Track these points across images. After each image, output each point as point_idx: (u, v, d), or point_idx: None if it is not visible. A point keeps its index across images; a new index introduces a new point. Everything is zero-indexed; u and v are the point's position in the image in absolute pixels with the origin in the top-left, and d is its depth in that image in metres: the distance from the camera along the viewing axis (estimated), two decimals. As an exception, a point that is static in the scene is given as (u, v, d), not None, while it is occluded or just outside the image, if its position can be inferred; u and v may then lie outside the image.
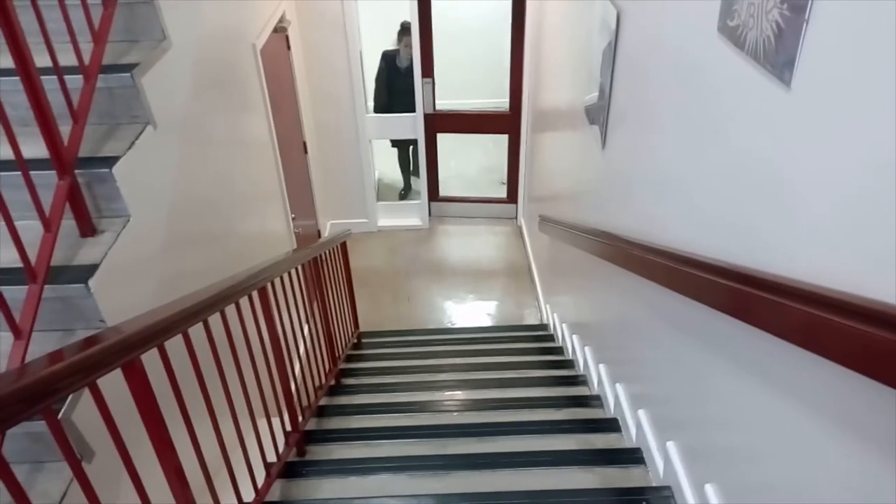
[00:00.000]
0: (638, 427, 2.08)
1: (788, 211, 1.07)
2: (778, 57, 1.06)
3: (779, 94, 1.07)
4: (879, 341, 0.75)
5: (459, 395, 3.11)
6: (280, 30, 4.30)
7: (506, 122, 5.87)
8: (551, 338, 4.10)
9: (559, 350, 3.72)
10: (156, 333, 1.28)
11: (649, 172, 1.91)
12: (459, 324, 5.06)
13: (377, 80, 5.92)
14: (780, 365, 1.12)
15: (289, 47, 4.60)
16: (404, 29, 5.45)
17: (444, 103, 5.89)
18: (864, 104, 0.84)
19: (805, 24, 0.97)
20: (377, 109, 5.98)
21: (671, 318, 1.74)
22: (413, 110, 5.79)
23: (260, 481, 1.85)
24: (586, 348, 2.98)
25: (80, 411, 1.46)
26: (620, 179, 2.29)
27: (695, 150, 1.51)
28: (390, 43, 5.96)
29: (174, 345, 1.38)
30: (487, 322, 5.07)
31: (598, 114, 2.53)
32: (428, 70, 5.59)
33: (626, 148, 2.19)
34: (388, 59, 5.84)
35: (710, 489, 1.49)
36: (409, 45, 5.42)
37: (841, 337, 0.82)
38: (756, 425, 1.25)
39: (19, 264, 1.46)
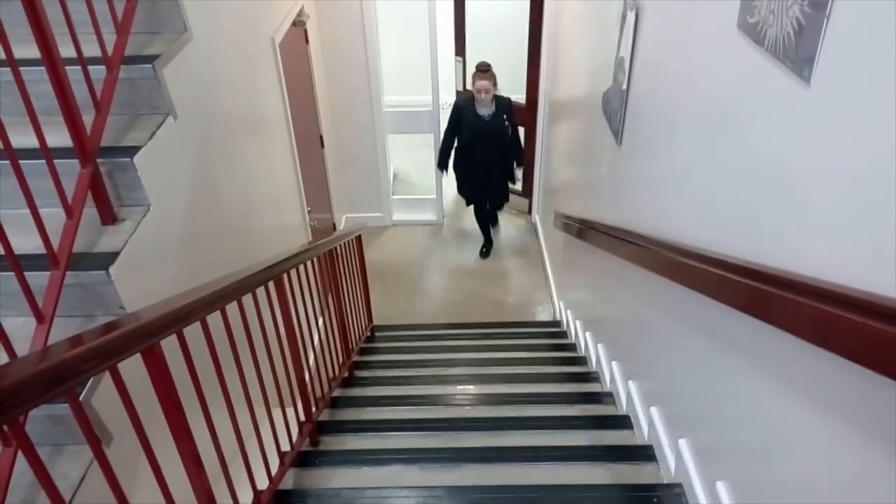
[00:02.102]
0: (650, 424, 2.08)
1: (807, 208, 1.07)
2: (798, 54, 1.06)
3: (798, 91, 1.06)
4: (888, 336, 0.75)
5: (471, 389, 3.12)
6: (298, 24, 4.32)
7: (522, 116, 5.87)
8: (564, 334, 4.10)
9: (572, 347, 3.72)
10: (174, 320, 1.30)
11: (665, 169, 1.90)
12: (472, 319, 5.07)
13: (446, 132, 4.92)
14: (792, 363, 1.12)
15: (307, 41, 4.62)
16: (480, 71, 4.48)
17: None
18: (886, 101, 0.84)
19: (826, 21, 0.97)
20: (442, 165, 5.11)
21: (685, 315, 1.74)
22: (507, 181, 5.13)
23: (274, 469, 1.88)
24: (599, 345, 2.98)
25: (99, 397, 1.49)
26: (636, 176, 2.28)
27: (712, 146, 1.51)
28: (406, 36, 5.91)
29: (192, 335, 1.40)
30: (500, 317, 5.07)
31: (615, 110, 2.52)
32: (461, 49, 5.80)
33: (643, 144, 2.18)
34: (462, 107, 4.76)
35: (721, 487, 1.49)
36: (490, 91, 4.48)
37: (853, 333, 0.82)
38: (768, 423, 1.25)
39: (42, 251, 1.49)
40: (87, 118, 1.71)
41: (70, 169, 1.65)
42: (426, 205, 6.37)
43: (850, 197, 0.94)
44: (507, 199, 5.40)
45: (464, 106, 4.67)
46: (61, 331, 1.51)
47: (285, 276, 2.12)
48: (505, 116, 4.64)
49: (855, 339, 0.82)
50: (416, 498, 1.89)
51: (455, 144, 4.94)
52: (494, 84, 4.38)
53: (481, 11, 6.11)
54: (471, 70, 5.76)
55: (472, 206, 5.45)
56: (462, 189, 5.18)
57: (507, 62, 6.25)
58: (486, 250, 5.65)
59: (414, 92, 5.99)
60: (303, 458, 2.15)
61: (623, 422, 2.35)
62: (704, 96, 1.57)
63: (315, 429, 2.33)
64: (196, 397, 1.43)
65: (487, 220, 5.57)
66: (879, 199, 0.85)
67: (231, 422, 1.61)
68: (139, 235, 1.78)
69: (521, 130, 6.01)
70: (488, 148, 4.79)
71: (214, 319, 1.52)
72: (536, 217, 6.10)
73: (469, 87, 4.96)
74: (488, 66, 4.40)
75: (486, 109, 4.58)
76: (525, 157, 6.11)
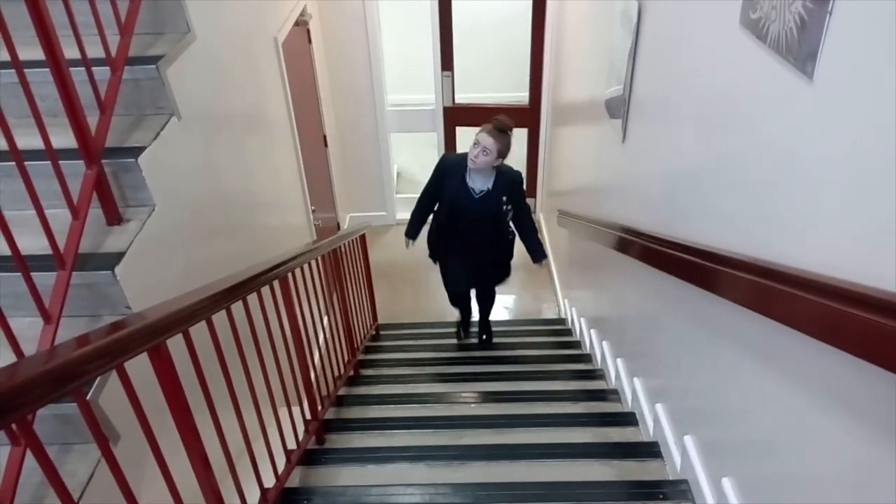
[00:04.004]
0: (655, 421, 2.08)
1: (810, 202, 1.07)
2: (800, 49, 1.05)
3: (801, 87, 1.06)
4: (892, 332, 0.75)
5: (476, 386, 3.12)
6: (301, 23, 4.33)
7: (525, 116, 5.85)
8: (569, 332, 4.10)
9: (577, 344, 3.72)
10: (180, 320, 1.31)
11: (669, 165, 1.90)
12: (477, 317, 5.06)
13: (422, 195, 3.27)
14: (799, 359, 1.12)
15: (310, 41, 4.62)
16: (497, 129, 2.84)
17: (464, 97, 5.87)
18: (888, 96, 0.84)
19: (828, 17, 0.96)
20: (409, 233, 3.38)
21: (690, 312, 1.74)
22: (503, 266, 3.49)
23: (280, 467, 1.88)
24: (604, 342, 2.98)
25: (107, 396, 1.50)
26: (640, 172, 2.28)
27: (715, 141, 1.51)
28: (409, 35, 5.88)
29: (198, 337, 1.41)
30: (505, 316, 5.07)
31: (618, 107, 2.52)
32: (448, 63, 5.60)
33: (647, 141, 2.18)
34: (449, 166, 3.08)
35: (727, 483, 1.49)
36: (490, 154, 2.83)
37: (859, 329, 0.82)
38: (774, 419, 1.25)
39: (49, 251, 1.50)
40: (92, 119, 1.72)
41: (75, 170, 1.66)
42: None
43: (853, 192, 0.94)
44: (502, 278, 3.60)
45: (451, 166, 3.06)
46: (68, 331, 1.52)
47: (290, 275, 2.13)
48: (505, 198, 3.02)
49: (861, 336, 0.82)
50: (422, 495, 1.90)
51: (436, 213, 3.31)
52: (503, 153, 2.87)
53: (478, 6, 6.02)
54: (460, 87, 5.39)
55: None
56: (442, 268, 3.59)
57: (507, 60, 6.24)
58: (462, 331, 4.01)
59: (417, 91, 6.00)
60: (309, 457, 2.15)
61: (628, 418, 2.35)
62: (707, 92, 1.56)
63: (321, 427, 2.33)
64: (203, 396, 1.44)
65: (468, 303, 3.92)
66: (883, 195, 0.85)
67: (237, 420, 1.62)
68: (144, 235, 1.79)
69: (525, 132, 5.96)
70: (473, 236, 3.19)
71: (220, 319, 1.53)
72: (540, 216, 6.10)
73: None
74: (508, 126, 2.85)
75: (479, 181, 2.97)
76: (529, 157, 6.05)
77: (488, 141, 2.81)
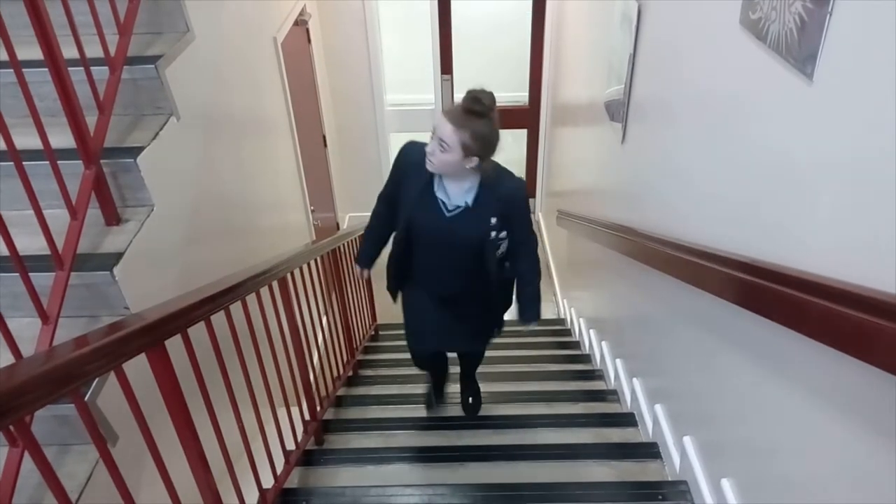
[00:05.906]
0: (654, 422, 2.07)
1: (809, 203, 1.06)
2: (800, 50, 1.05)
3: (801, 87, 1.06)
4: (890, 332, 0.75)
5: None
6: (301, 23, 4.32)
7: (525, 117, 5.85)
8: (568, 332, 4.10)
9: (576, 345, 3.71)
10: (179, 320, 1.31)
11: (669, 166, 1.90)
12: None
13: (376, 207, 2.27)
14: (797, 360, 1.12)
15: (309, 41, 4.62)
16: (467, 112, 1.67)
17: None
18: (887, 97, 0.84)
19: (828, 17, 0.96)
20: (361, 259, 2.45)
21: (689, 313, 1.74)
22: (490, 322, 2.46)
23: (279, 468, 1.88)
24: (603, 343, 2.98)
25: (105, 397, 1.50)
26: (640, 173, 2.28)
27: (715, 142, 1.50)
28: (408, 34, 5.88)
29: (197, 337, 1.41)
30: (504, 316, 5.05)
31: (617, 108, 2.52)
32: (447, 67, 5.61)
33: (646, 142, 2.18)
34: (409, 163, 1.94)
35: (726, 484, 1.49)
36: (453, 152, 1.70)
37: (856, 329, 0.82)
38: (773, 420, 1.25)
39: (47, 252, 1.50)
40: (91, 119, 1.72)
41: (74, 170, 1.66)
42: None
43: (852, 193, 0.93)
44: (483, 344, 2.52)
45: (414, 158, 1.89)
46: (66, 331, 1.51)
47: (289, 275, 2.13)
48: (495, 220, 1.89)
49: (858, 336, 0.82)
50: (421, 496, 1.89)
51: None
52: (471, 149, 1.72)
53: (480, 9, 6.01)
54: (460, 88, 5.36)
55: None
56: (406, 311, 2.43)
57: (506, 60, 6.23)
58: (434, 396, 2.72)
59: (416, 90, 6.00)
60: (308, 457, 2.15)
61: (628, 419, 2.35)
62: (706, 93, 1.56)
63: (320, 428, 2.33)
64: (201, 397, 1.43)
65: (442, 363, 2.69)
66: (882, 195, 0.85)
67: (236, 421, 1.62)
68: (143, 236, 1.79)
69: (524, 133, 5.96)
70: (444, 277, 2.12)
71: (219, 319, 1.52)
72: (540, 216, 6.10)
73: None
74: (485, 104, 1.69)
75: (454, 189, 1.88)
76: (528, 157, 6.06)
77: (446, 130, 1.70)
